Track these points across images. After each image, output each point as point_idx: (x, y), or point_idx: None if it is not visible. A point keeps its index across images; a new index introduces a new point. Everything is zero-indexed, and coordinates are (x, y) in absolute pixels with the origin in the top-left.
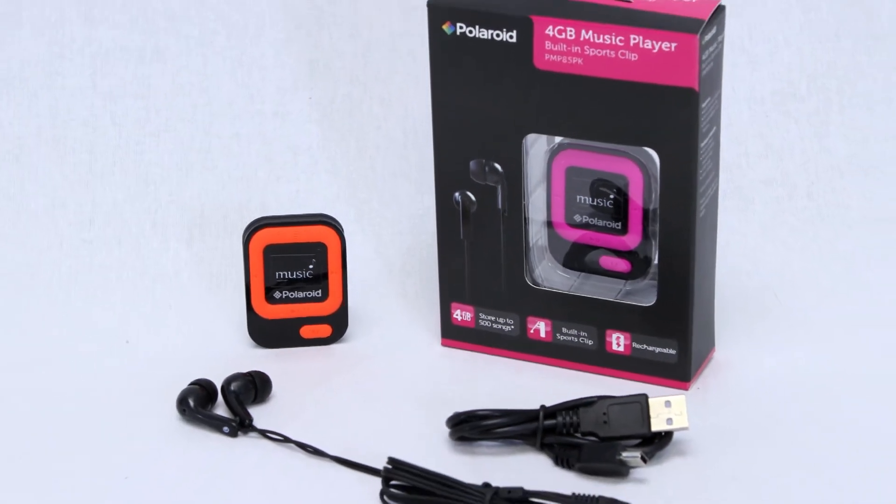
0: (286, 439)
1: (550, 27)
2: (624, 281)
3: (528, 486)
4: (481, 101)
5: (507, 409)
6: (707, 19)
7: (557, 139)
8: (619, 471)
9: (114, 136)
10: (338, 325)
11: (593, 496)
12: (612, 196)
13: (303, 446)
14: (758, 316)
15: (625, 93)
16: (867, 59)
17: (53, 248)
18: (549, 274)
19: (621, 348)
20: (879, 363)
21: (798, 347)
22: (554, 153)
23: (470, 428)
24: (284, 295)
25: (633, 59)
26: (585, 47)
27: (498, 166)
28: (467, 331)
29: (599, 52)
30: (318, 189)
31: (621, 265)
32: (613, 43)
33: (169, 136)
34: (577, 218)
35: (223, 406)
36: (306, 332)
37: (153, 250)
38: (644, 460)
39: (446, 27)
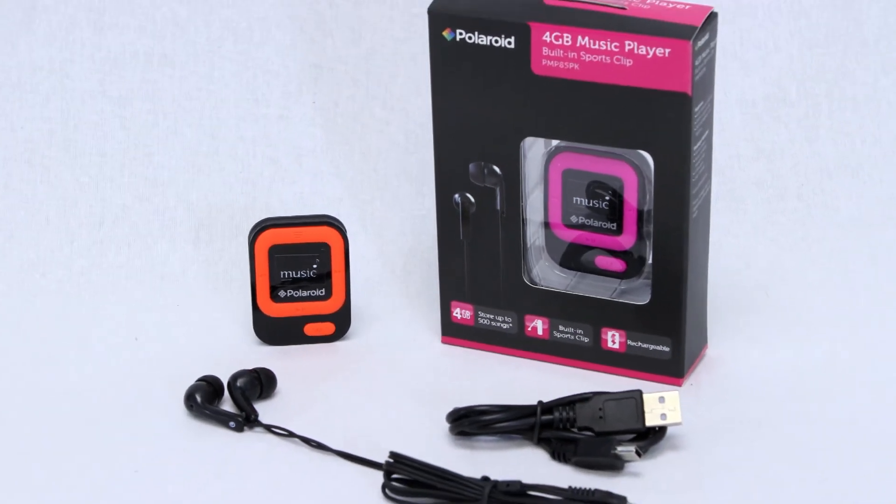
0: (290, 434)
1: (547, 33)
2: (619, 280)
3: (526, 480)
4: (480, 105)
5: (505, 405)
6: (700, 26)
7: (554, 142)
8: (614, 465)
9: (123, 140)
10: (341, 323)
11: (589, 489)
12: (607, 197)
13: (307, 441)
14: (749, 314)
15: (620, 97)
16: (855, 64)
17: (65, 248)
18: (547, 273)
19: (616, 345)
20: (867, 359)
21: (789, 344)
22: (551, 156)
23: (469, 423)
24: (289, 294)
25: (627, 64)
26: (581, 53)
27: (496, 168)
28: (467, 328)
29: (595, 58)
30: (322, 191)
31: (616, 265)
32: (609, 49)
33: (176, 140)
34: (574, 219)
35: (229, 402)
36: (310, 329)
37: (161, 250)
38: (639, 454)
39: (446, 33)
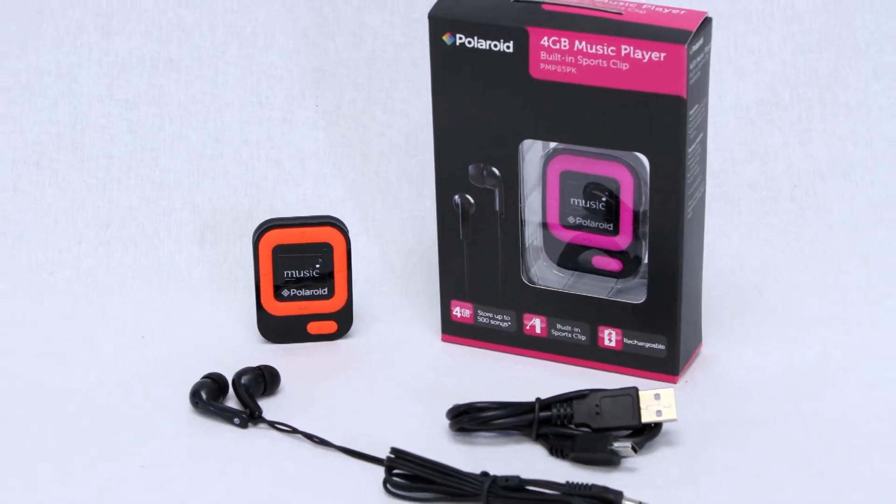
0: (294, 430)
1: (545, 38)
2: (615, 279)
3: (524, 475)
4: (480, 108)
5: (504, 402)
6: (694, 31)
7: (552, 144)
8: (610, 460)
9: (129, 143)
10: (343, 321)
11: (586, 484)
12: (604, 199)
13: (309, 437)
14: (743, 313)
15: (616, 100)
16: (847, 69)
17: (73, 249)
18: (545, 273)
19: (613, 344)
20: (859, 358)
21: (782, 343)
22: (549, 158)
23: (469, 419)
24: (292, 293)
25: (624, 68)
26: (579, 57)
27: (495, 170)
28: (466, 327)
29: (592, 62)
30: (325, 192)
31: (613, 264)
32: (605, 53)
33: (182, 143)
34: (571, 219)
35: (234, 399)
36: (313, 328)
37: (167, 251)
38: (634, 450)
39: (446, 38)
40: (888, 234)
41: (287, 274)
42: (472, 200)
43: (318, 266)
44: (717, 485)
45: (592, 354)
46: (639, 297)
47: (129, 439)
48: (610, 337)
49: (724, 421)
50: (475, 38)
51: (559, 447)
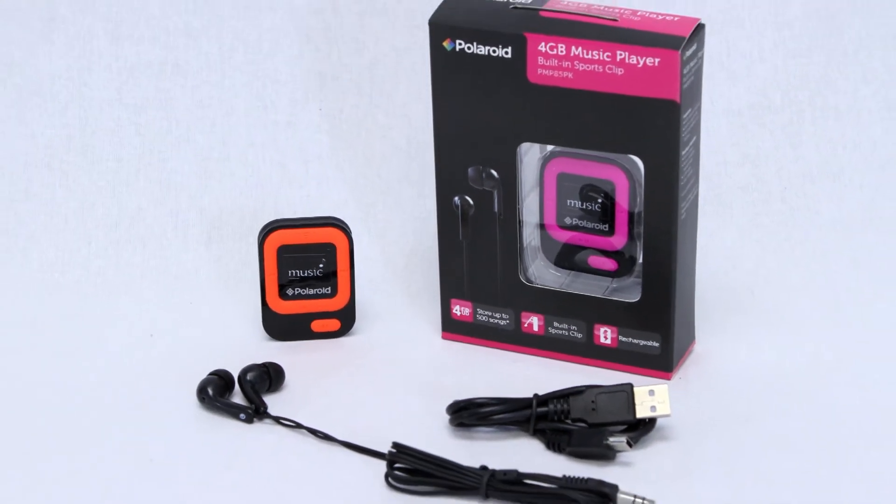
0: (298, 425)
1: (543, 44)
2: (611, 279)
3: (522, 469)
4: (479, 112)
5: (502, 398)
6: (688, 36)
7: (549, 147)
8: (606, 455)
9: (138, 145)
10: (346, 319)
11: (582, 478)
12: (599, 200)
13: (313, 432)
14: (735, 311)
15: (612, 104)
16: (837, 74)
17: (83, 249)
18: (542, 272)
19: (608, 341)
20: (846, 353)
21: (772, 340)
22: (546, 160)
23: (468, 415)
24: (296, 292)
25: (619, 73)
26: (575, 62)
27: (494, 172)
28: (466, 325)
29: (588, 67)
30: (328, 194)
31: (608, 264)
32: (601, 58)
33: (189, 146)
34: (568, 220)
35: (240, 395)
36: (317, 326)
37: (175, 251)
38: (629, 445)
39: (446, 44)
40: (877, 235)
41: (291, 273)
42: (471, 202)
43: (321, 266)
44: (709, 478)
45: (588, 352)
46: (634, 296)
47: (137, 434)
48: (605, 334)
49: (716, 416)
50: (474, 43)
51: (556, 442)
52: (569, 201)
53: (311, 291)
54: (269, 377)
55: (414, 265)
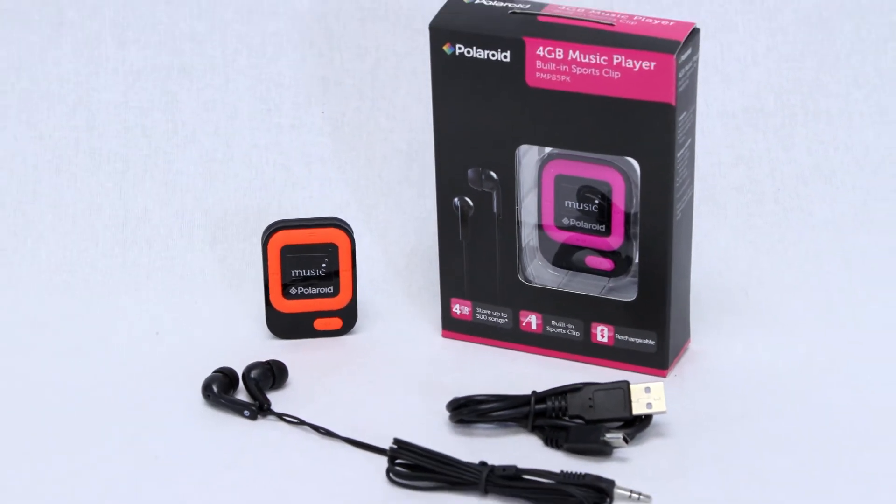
0: (301, 422)
1: (541, 48)
2: (608, 278)
3: (521, 465)
4: (478, 115)
5: (501, 395)
6: (683, 41)
7: (547, 149)
8: (603, 451)
9: (144, 147)
10: (348, 318)
11: (580, 473)
12: (596, 201)
13: (316, 428)
14: (730, 311)
15: (608, 107)
16: (829, 77)
17: (90, 249)
18: (540, 272)
19: (605, 339)
20: (839, 353)
21: (766, 340)
22: (544, 162)
23: (468, 412)
24: (299, 291)
25: (615, 76)
26: (573, 66)
27: (493, 174)
28: (465, 323)
29: (585, 71)
30: (330, 195)
31: (605, 264)
32: (598, 62)
33: (194, 148)
34: (565, 221)
35: (244, 392)
36: (319, 324)
37: (180, 251)
38: (626, 441)
39: (446, 48)
40: (869, 236)
41: (294, 273)
42: (471, 203)
43: (324, 265)
44: (704, 474)
45: (586, 350)
46: (630, 295)
47: (143, 431)
48: (602, 333)
49: (711, 413)
50: (474, 48)
51: (554, 438)
52: (566, 202)
53: (314, 291)
54: (272, 375)
55: (414, 265)
